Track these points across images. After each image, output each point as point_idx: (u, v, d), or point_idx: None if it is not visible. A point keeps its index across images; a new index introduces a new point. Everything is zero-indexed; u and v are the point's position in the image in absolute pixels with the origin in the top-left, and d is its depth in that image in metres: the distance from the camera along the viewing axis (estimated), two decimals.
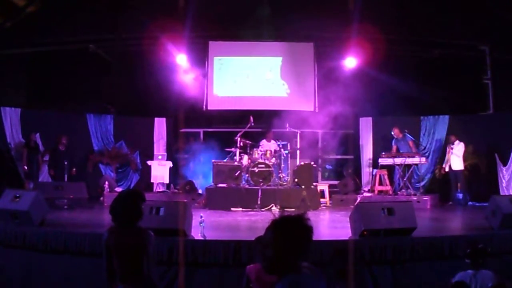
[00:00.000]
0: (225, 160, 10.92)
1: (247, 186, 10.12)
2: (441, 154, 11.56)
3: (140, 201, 3.38)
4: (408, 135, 11.16)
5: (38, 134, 11.05)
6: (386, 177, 11.03)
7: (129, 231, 3.31)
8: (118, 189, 11.15)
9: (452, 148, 10.75)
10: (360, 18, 10.41)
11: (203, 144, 12.50)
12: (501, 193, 10.38)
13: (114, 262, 3.27)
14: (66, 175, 10.67)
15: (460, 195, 10.80)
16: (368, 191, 11.27)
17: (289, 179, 10.71)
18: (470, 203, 10.67)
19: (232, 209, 9.60)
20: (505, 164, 10.94)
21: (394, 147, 11.15)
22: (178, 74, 12.07)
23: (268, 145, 10.79)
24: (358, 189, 11.55)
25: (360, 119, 12.48)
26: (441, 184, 11.50)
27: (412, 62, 11.95)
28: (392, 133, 11.16)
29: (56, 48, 11.67)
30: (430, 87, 11.15)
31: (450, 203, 10.82)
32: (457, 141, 10.77)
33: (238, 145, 10.73)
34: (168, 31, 10.99)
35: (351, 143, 12.64)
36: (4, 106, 10.98)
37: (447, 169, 10.85)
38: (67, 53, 11.74)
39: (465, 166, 10.83)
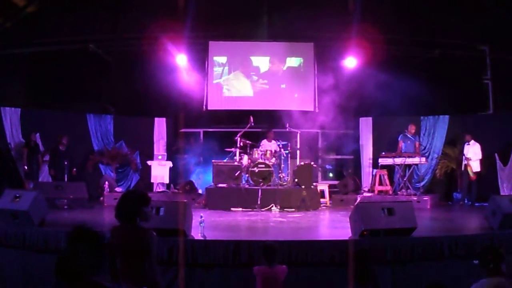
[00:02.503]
0: (225, 160, 10.91)
1: (247, 186, 10.12)
2: (442, 154, 11.56)
3: (142, 204, 3.39)
4: (417, 138, 11.15)
5: (38, 134, 11.05)
6: (386, 177, 11.01)
7: (132, 231, 3.33)
8: (118, 189, 11.17)
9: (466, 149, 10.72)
10: (360, 18, 10.42)
11: (203, 144, 12.50)
12: (501, 193, 10.38)
13: (117, 261, 3.28)
14: (66, 175, 10.66)
15: (460, 195, 10.82)
16: (368, 191, 11.26)
17: (289, 179, 10.70)
18: (470, 203, 10.66)
19: (232, 209, 9.60)
20: (505, 164, 10.93)
21: (401, 143, 11.02)
22: (178, 74, 12.06)
23: (268, 145, 10.78)
24: (358, 189, 11.54)
25: (360, 119, 12.47)
26: (441, 184, 11.51)
27: (412, 62, 11.95)
28: (407, 130, 10.97)
29: (56, 48, 11.68)
30: (430, 87, 11.14)
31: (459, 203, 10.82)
32: (472, 141, 10.68)
33: (238, 145, 10.73)
34: (168, 31, 10.98)
35: (351, 143, 12.64)
36: (4, 106, 10.98)
37: (463, 169, 10.74)
38: (67, 53, 11.74)
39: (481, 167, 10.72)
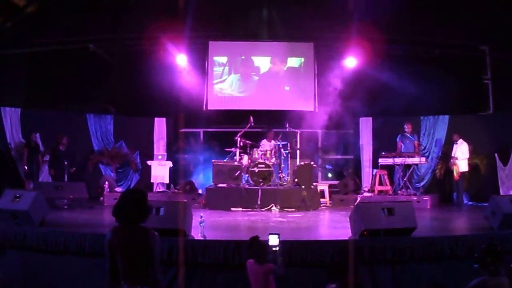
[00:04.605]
0: (225, 160, 10.91)
1: (247, 186, 10.12)
2: (442, 154, 11.56)
3: (146, 200, 3.39)
4: (416, 136, 11.16)
5: (38, 134, 11.05)
6: (386, 177, 11.01)
7: (133, 231, 3.31)
8: (118, 189, 11.16)
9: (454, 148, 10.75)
10: (360, 18, 10.40)
11: (203, 144, 12.51)
12: (501, 193, 10.38)
13: (118, 262, 3.27)
14: (66, 175, 10.66)
15: (454, 195, 10.84)
16: (368, 191, 11.26)
17: (289, 179, 10.70)
18: (470, 203, 10.68)
19: (232, 209, 9.60)
20: (505, 164, 10.93)
21: (399, 143, 10.97)
22: (178, 74, 12.06)
23: (268, 145, 10.78)
24: (358, 189, 11.53)
25: (360, 119, 12.47)
26: (441, 184, 11.52)
27: (412, 62, 11.95)
28: (404, 130, 10.93)
29: (56, 48, 11.67)
30: (430, 87, 11.14)
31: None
32: (460, 140, 10.74)
33: (238, 145, 10.73)
34: (168, 31, 10.98)
35: (351, 143, 12.64)
36: (4, 106, 10.98)
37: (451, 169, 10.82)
38: (67, 53, 11.73)
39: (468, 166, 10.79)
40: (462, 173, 10.69)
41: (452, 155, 10.79)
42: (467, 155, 10.68)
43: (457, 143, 10.78)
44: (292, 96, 12.68)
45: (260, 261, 4.52)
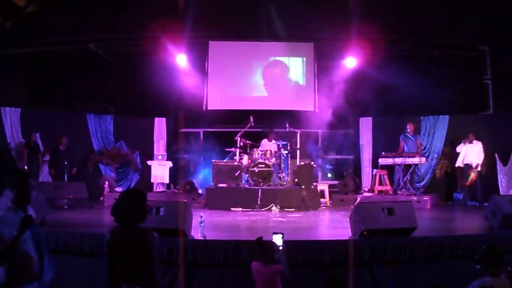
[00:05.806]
0: (225, 160, 10.92)
1: (247, 186, 10.12)
2: (442, 154, 11.56)
3: (144, 200, 3.38)
4: (419, 136, 11.13)
5: (38, 134, 11.05)
6: (386, 177, 11.01)
7: (132, 232, 3.30)
8: (118, 189, 11.16)
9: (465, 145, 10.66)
10: (360, 18, 10.41)
11: (203, 144, 12.51)
12: (501, 193, 10.38)
13: (117, 262, 3.27)
14: (66, 175, 10.66)
15: (460, 196, 10.81)
16: (368, 191, 11.26)
17: (289, 179, 10.71)
18: (470, 203, 10.67)
19: (232, 209, 9.60)
20: (505, 164, 10.92)
21: (402, 143, 10.90)
22: (178, 74, 12.06)
23: (268, 145, 10.79)
24: (358, 189, 11.54)
25: (360, 119, 12.47)
26: (441, 184, 11.52)
27: (412, 62, 11.95)
28: (407, 130, 10.89)
29: (56, 48, 11.67)
30: (430, 87, 11.14)
31: (450, 203, 10.90)
32: (475, 140, 10.63)
33: (238, 145, 10.73)
34: (168, 31, 10.98)
35: (351, 143, 12.64)
36: (4, 106, 10.98)
37: (460, 165, 10.71)
38: (67, 53, 11.74)
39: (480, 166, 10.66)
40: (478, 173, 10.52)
41: (462, 155, 10.66)
42: (482, 156, 10.54)
43: (471, 143, 10.58)
44: (292, 96, 12.67)
45: (267, 261, 4.48)
